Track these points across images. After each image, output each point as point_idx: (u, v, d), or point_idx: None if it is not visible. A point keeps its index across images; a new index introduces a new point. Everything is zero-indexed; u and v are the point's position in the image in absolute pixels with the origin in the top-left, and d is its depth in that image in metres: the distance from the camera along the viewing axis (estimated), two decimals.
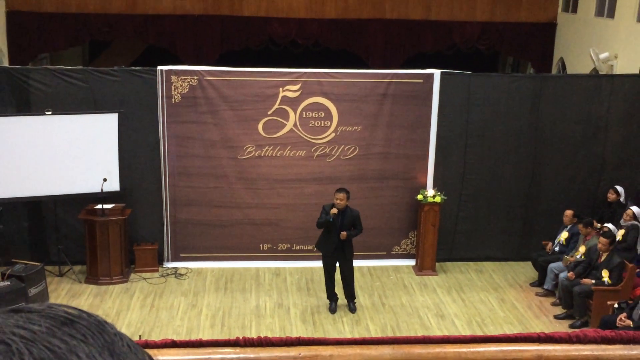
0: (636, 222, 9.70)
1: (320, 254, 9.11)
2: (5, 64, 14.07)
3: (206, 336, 8.31)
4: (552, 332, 2.07)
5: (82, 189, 9.64)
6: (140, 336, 7.90)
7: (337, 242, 8.73)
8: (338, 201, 8.67)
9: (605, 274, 8.84)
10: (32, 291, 8.77)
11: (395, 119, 10.25)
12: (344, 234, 8.66)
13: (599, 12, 13.76)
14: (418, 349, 1.95)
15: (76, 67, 10.65)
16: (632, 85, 10.63)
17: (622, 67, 12.29)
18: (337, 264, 8.96)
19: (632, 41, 12.22)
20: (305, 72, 10.12)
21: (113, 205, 9.71)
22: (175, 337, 8.26)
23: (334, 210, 8.61)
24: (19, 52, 14.72)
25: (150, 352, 1.94)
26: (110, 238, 9.57)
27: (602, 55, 12.66)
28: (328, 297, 9.18)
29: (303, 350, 1.91)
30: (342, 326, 8.83)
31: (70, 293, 9.50)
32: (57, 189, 9.62)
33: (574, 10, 14.93)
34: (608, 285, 8.78)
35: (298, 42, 15.83)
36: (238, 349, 1.92)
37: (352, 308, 9.19)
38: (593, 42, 13.41)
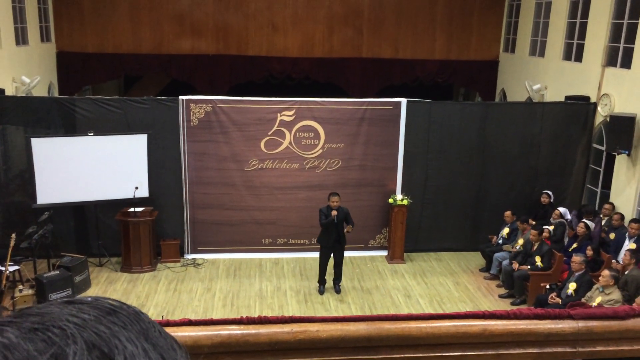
0: (563, 220, 9.76)
1: (318, 246, 9.11)
2: (56, 94, 14.00)
3: (218, 314, 8.27)
4: (495, 310, 2.08)
5: (118, 195, 9.59)
6: (162, 316, 7.83)
7: (335, 235, 8.76)
8: (335, 203, 8.70)
9: (538, 259, 8.90)
10: (77, 279, 8.72)
11: (370, 138, 10.26)
12: (349, 227, 8.77)
13: (532, 52, 13.87)
14: (387, 325, 1.95)
15: (113, 97, 10.59)
16: (559, 111, 10.72)
17: (551, 96, 12.38)
18: (332, 254, 8.97)
19: (558, 75, 12.32)
20: (298, 101, 10.13)
21: (143, 208, 9.66)
22: (193, 315, 8.18)
23: (334, 213, 8.64)
24: (67, 85, 14.65)
25: (171, 329, 1.93)
26: (141, 235, 9.52)
27: (535, 87, 12.75)
28: (319, 281, 9.16)
29: (295, 327, 1.90)
30: (329, 305, 8.81)
31: (108, 280, 9.42)
32: (98, 195, 9.57)
33: (513, 51, 15.04)
34: (541, 268, 8.83)
35: (293, 76, 15.85)
36: (242, 326, 1.91)
37: (337, 290, 9.17)
38: (528, 76, 13.51)
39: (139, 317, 0.60)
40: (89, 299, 0.61)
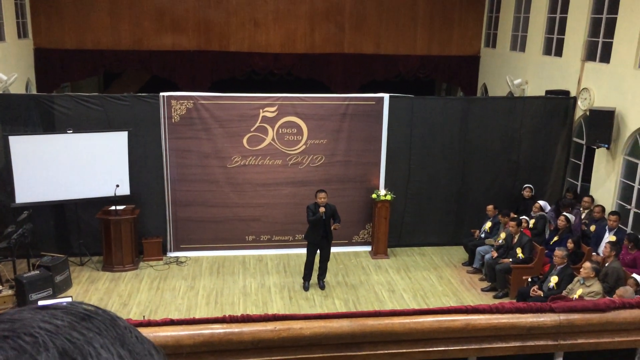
0: (543, 213, 9.87)
1: (302, 242, 9.11)
2: (34, 91, 13.78)
3: (202, 312, 8.22)
4: (477, 305, 2.08)
5: (98, 193, 9.48)
6: (144, 316, 7.75)
7: (322, 231, 8.76)
8: (322, 199, 8.69)
9: (519, 251, 9.00)
10: (58, 278, 8.61)
11: (353, 134, 10.27)
12: (337, 225, 8.77)
13: (513, 47, 13.98)
14: (371, 321, 1.95)
15: (93, 94, 10.47)
16: (539, 105, 10.82)
17: (532, 90, 12.49)
18: (318, 251, 8.98)
19: (539, 70, 12.43)
20: (280, 97, 10.09)
21: (125, 206, 9.57)
22: (177, 314, 8.08)
23: (322, 209, 8.64)
24: (45, 82, 14.42)
25: (153, 329, 1.90)
26: (122, 233, 9.43)
27: (516, 82, 12.86)
28: (304, 277, 9.15)
29: (278, 325, 1.89)
30: (314, 301, 8.81)
31: (90, 279, 9.32)
32: (78, 194, 9.46)
33: (494, 46, 15.15)
34: (522, 260, 8.92)
35: (275, 72, 15.78)
36: (225, 325, 1.89)
37: (321, 285, 9.17)
38: (509, 71, 13.61)
39: (115, 322, 0.59)
40: (63, 303, 0.59)
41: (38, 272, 8.32)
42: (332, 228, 8.82)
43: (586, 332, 2.06)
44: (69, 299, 7.60)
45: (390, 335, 1.95)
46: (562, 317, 2.03)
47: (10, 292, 8.18)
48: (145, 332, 1.86)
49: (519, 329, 2.01)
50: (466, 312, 2.01)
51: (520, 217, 9.53)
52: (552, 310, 2.03)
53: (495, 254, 9.25)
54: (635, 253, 8.22)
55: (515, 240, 9.14)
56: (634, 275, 7.28)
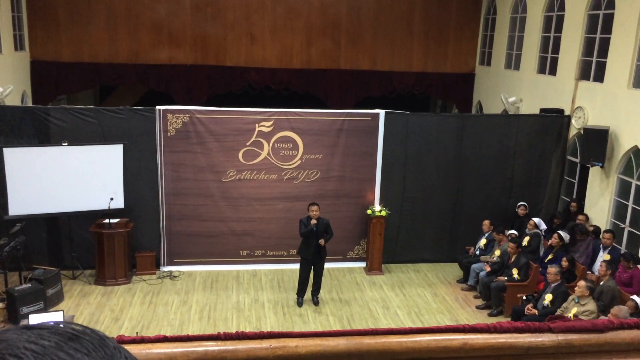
0: (537, 231, 9.86)
1: (296, 257, 9.05)
2: (29, 104, 13.75)
3: (195, 327, 8.13)
4: (475, 324, 2.06)
5: (92, 207, 9.43)
6: (137, 332, 7.66)
7: (315, 246, 8.70)
8: (314, 212, 8.66)
9: (515, 272, 8.96)
10: (50, 292, 8.52)
11: (349, 149, 10.28)
12: (322, 241, 8.67)
13: (508, 66, 14.08)
14: (367, 340, 1.92)
15: (88, 106, 10.44)
16: (533, 123, 10.88)
17: (526, 108, 12.56)
18: (312, 267, 8.91)
19: (533, 88, 12.51)
20: (276, 111, 10.10)
21: (118, 219, 9.51)
22: (169, 329, 7.97)
23: (314, 221, 8.60)
24: (41, 94, 14.39)
25: (145, 346, 1.86)
26: (115, 247, 9.36)
27: (511, 99, 12.93)
28: (298, 293, 9.08)
29: (273, 342, 1.86)
30: (307, 317, 8.73)
31: (82, 293, 9.22)
32: (72, 207, 9.40)
33: (488, 64, 15.26)
34: (518, 280, 8.89)
35: (271, 87, 15.82)
36: (219, 342, 1.86)
37: (315, 302, 9.10)
38: (503, 89, 13.69)
39: (104, 342, 0.57)
40: (51, 323, 0.58)
41: (30, 285, 8.23)
42: (318, 241, 8.74)
43: (584, 353, 2.04)
44: (60, 313, 7.51)
45: (387, 354, 1.92)
46: (561, 337, 2.01)
47: (1, 305, 8.08)
48: (138, 348, 1.83)
49: (517, 349, 1.99)
50: (464, 332, 1.99)
51: (509, 232, 9.55)
52: (550, 331, 2.01)
53: (488, 268, 9.29)
54: (633, 271, 8.19)
55: (513, 260, 9.11)
56: (634, 297, 7.21)
